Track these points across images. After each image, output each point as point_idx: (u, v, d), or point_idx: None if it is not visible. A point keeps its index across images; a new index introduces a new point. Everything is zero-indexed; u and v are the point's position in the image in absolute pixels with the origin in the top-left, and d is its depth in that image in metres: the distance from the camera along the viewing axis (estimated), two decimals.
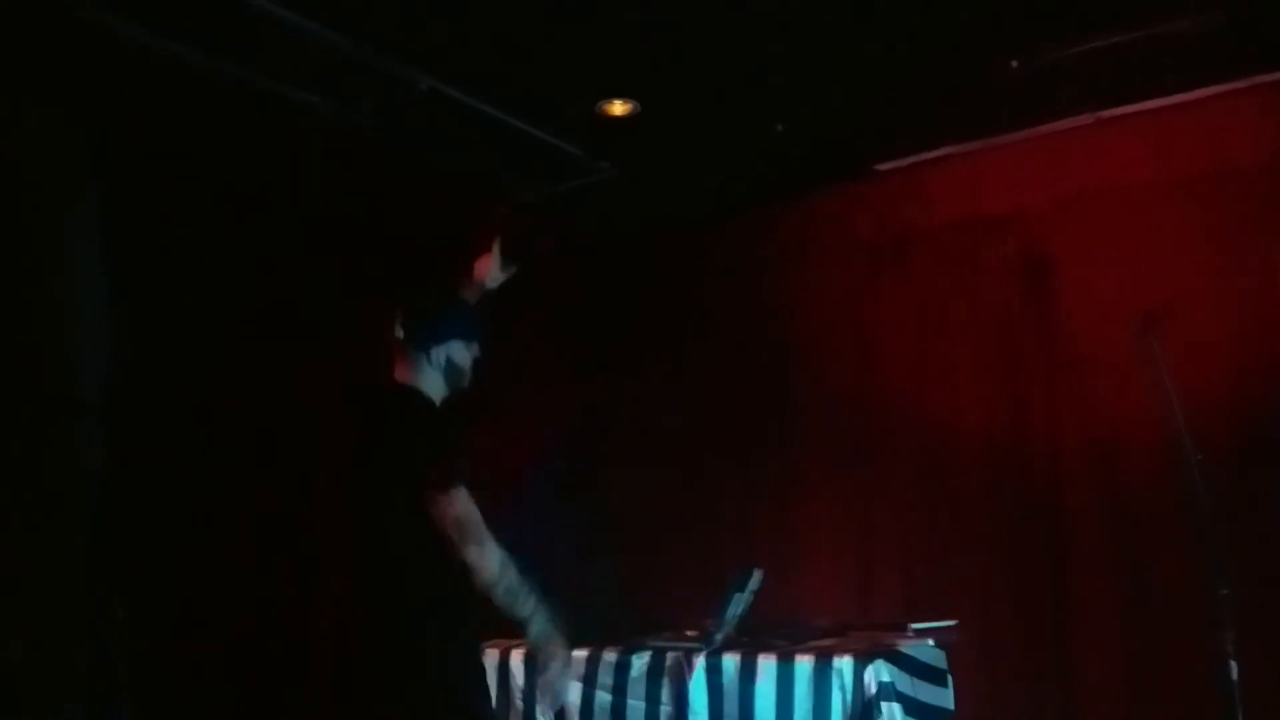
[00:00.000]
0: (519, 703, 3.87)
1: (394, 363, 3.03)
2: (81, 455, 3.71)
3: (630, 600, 5.22)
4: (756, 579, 3.75)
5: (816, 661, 3.39)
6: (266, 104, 4.14)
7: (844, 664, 3.35)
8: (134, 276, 3.95)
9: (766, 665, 3.46)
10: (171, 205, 4.07)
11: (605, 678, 3.72)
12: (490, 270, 3.23)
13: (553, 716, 3.80)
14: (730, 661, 3.53)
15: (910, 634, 3.72)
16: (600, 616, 4.44)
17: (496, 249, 3.24)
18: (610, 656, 3.75)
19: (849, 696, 3.31)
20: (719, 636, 3.64)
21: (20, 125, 3.71)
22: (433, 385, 2.98)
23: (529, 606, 2.72)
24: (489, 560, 2.65)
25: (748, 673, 3.48)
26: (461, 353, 3.01)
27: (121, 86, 3.84)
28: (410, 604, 2.76)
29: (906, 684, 3.41)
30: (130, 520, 3.56)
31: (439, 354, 2.97)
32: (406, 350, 2.99)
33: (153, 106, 3.93)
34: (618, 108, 4.41)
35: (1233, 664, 3.33)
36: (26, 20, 3.53)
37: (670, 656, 3.65)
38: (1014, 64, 4.07)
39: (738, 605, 3.70)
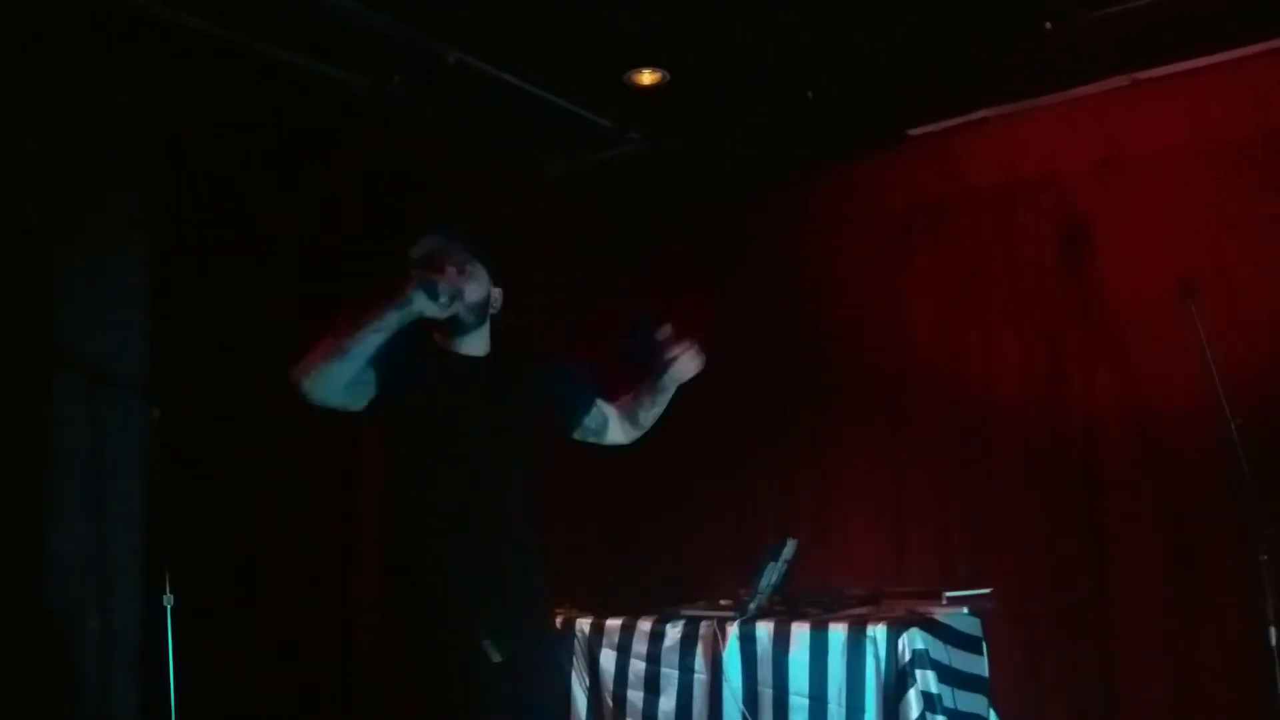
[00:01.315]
0: None
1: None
2: (132, 438, 3.78)
3: (665, 569, 5.25)
4: (791, 548, 3.76)
5: (851, 630, 3.40)
6: (299, 81, 4.15)
7: (878, 632, 3.35)
8: (174, 256, 4.01)
9: (800, 634, 3.47)
10: (207, 183, 4.11)
11: (640, 646, 3.75)
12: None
13: (588, 682, 3.84)
14: (764, 630, 3.54)
15: (945, 602, 3.71)
16: (635, 585, 4.48)
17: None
18: (645, 625, 3.78)
19: (883, 664, 3.32)
20: (753, 605, 3.65)
21: (65, 107, 3.78)
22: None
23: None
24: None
25: (782, 641, 3.49)
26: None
27: (155, 66, 3.89)
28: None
29: (941, 652, 3.41)
30: (180, 502, 3.60)
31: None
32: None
33: (185, 83, 3.97)
34: (647, 77, 4.39)
35: (1272, 630, 3.31)
36: (65, 3, 3.57)
37: (704, 625, 3.66)
38: (1048, 25, 4.01)
39: (772, 574, 3.71)
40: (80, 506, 3.74)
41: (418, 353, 2.66)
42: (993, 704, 3.68)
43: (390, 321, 2.50)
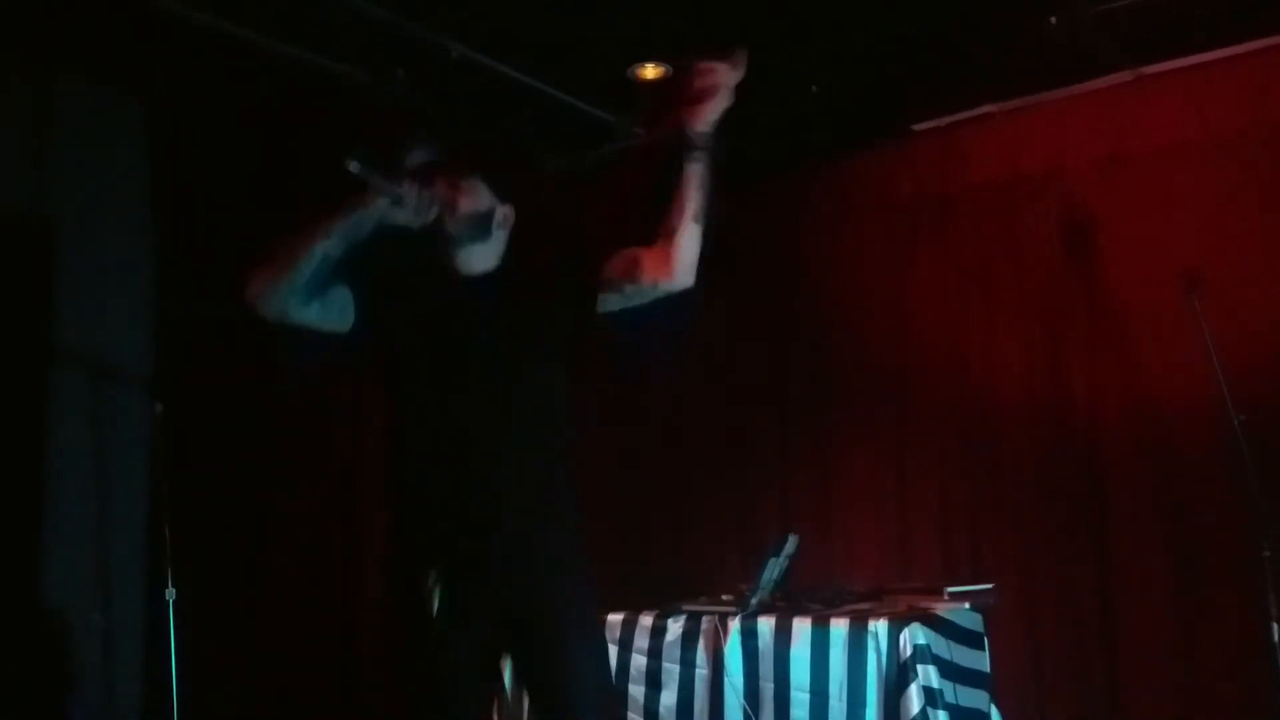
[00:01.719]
0: None
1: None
2: (135, 433, 3.79)
3: (666, 566, 5.25)
4: (792, 544, 3.76)
5: (852, 625, 3.40)
6: (303, 75, 4.15)
7: (879, 627, 3.35)
8: (179, 250, 4.01)
9: (802, 629, 3.48)
10: (212, 178, 4.11)
11: (641, 641, 3.75)
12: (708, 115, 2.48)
13: None
14: (766, 625, 3.54)
15: (946, 598, 3.72)
16: (637, 582, 4.47)
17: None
18: (646, 621, 3.78)
19: (884, 659, 3.32)
20: (754, 601, 3.66)
21: (69, 101, 3.78)
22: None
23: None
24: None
25: (783, 636, 3.49)
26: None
27: (160, 61, 3.89)
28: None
29: (943, 647, 3.42)
30: (182, 497, 3.60)
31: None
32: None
33: (189, 78, 3.97)
34: (650, 71, 4.38)
35: (1275, 627, 3.30)
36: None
37: (706, 621, 3.67)
38: (1052, 20, 3.99)
39: (773, 569, 3.71)
40: (82, 501, 3.74)
41: (412, 271, 2.52)
42: (994, 699, 3.68)
43: (348, 228, 2.34)
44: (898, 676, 3.28)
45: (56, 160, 3.77)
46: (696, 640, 3.65)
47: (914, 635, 3.30)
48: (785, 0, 3.88)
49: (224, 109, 4.10)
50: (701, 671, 3.62)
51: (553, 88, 4.46)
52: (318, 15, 3.81)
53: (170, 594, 3.46)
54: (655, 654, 3.71)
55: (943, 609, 3.57)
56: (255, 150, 4.21)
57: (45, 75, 3.74)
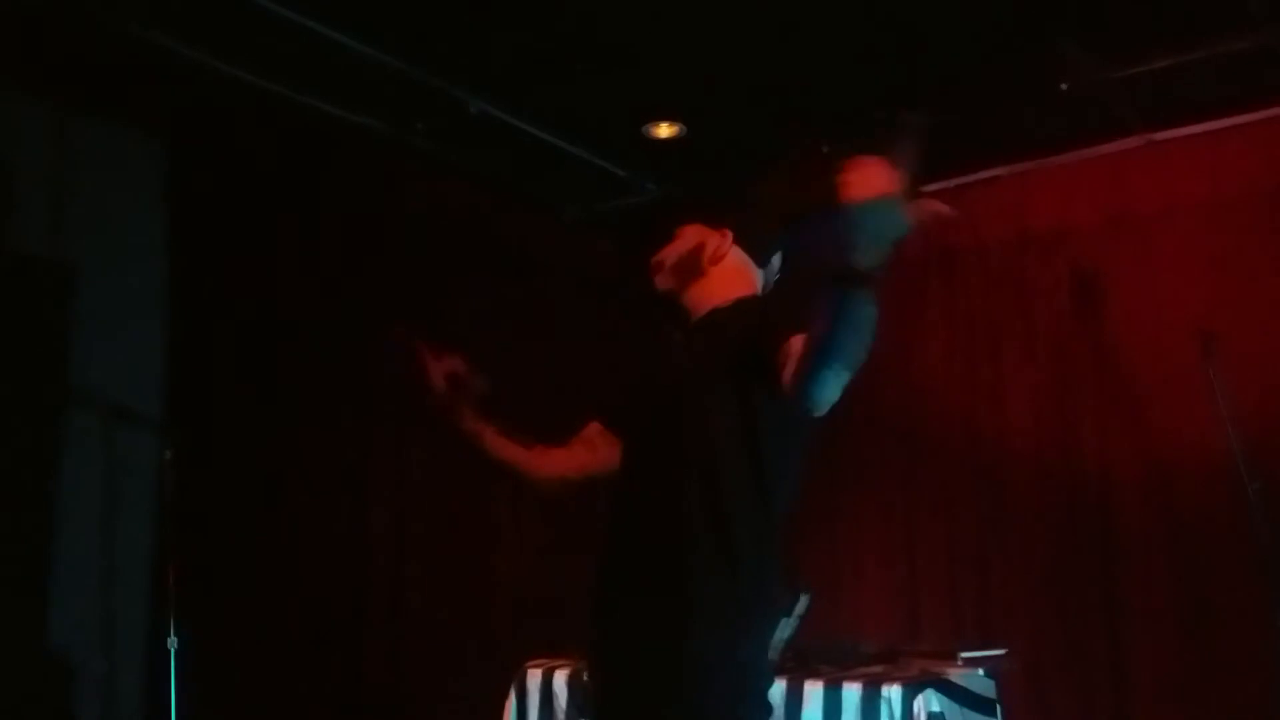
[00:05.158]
0: None
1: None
2: (144, 479, 3.77)
3: None
4: (804, 604, 3.71)
5: (865, 689, 3.35)
6: (323, 125, 4.19)
7: (893, 692, 3.30)
8: (192, 289, 4.02)
9: (814, 691, 3.42)
10: (231, 222, 4.13)
11: None
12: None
13: None
14: (777, 687, 3.48)
15: (960, 662, 3.67)
16: None
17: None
18: None
19: None
20: None
21: (90, 147, 3.81)
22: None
23: None
24: None
25: (794, 699, 3.44)
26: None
27: (181, 108, 3.92)
28: None
29: (956, 714, 3.36)
30: (189, 544, 3.57)
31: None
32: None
33: (215, 126, 4.00)
34: (664, 130, 4.44)
35: None
36: (102, 44, 3.60)
37: None
38: (1064, 86, 4.04)
39: (784, 629, 3.66)
40: (89, 544, 3.72)
41: None
42: None
43: None
44: None
45: (74, 203, 3.78)
46: None
47: (929, 701, 3.25)
48: (799, 61, 3.92)
49: (243, 156, 4.12)
50: None
51: (569, 143, 4.51)
52: (340, 67, 3.86)
53: (173, 643, 3.41)
54: None
55: (956, 674, 3.52)
56: (273, 198, 4.23)
57: (64, 117, 3.77)
